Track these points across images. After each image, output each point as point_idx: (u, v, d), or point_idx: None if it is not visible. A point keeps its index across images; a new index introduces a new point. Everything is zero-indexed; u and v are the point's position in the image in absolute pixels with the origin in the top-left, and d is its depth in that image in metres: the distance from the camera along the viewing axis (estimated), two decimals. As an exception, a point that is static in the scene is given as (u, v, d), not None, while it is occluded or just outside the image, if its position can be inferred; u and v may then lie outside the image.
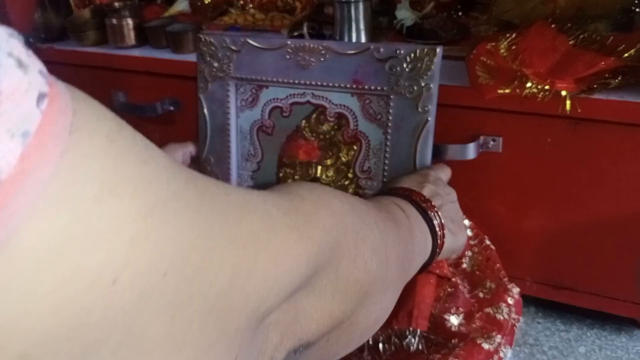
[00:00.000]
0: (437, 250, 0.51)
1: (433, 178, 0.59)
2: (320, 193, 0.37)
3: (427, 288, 0.55)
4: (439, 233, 0.51)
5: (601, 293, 0.77)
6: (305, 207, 0.33)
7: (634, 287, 0.74)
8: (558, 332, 0.82)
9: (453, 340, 0.63)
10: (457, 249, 0.57)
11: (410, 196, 0.52)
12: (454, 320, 0.62)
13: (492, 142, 0.71)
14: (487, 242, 0.69)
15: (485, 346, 0.61)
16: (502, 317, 0.62)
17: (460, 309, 0.63)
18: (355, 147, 0.71)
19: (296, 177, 0.75)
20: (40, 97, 0.18)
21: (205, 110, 0.77)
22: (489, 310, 0.63)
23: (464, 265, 0.69)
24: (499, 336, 0.61)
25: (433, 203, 0.53)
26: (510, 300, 0.65)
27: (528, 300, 0.86)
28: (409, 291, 0.53)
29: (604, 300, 0.77)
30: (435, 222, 0.51)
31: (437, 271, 0.56)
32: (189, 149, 0.76)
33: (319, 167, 0.74)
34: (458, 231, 0.56)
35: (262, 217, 0.28)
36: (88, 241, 0.18)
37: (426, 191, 0.55)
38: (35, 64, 0.18)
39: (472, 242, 0.69)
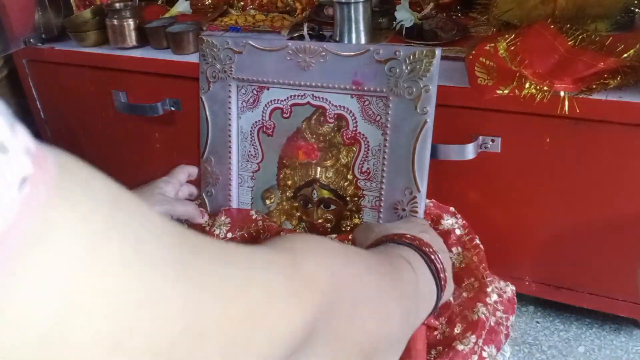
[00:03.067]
0: (441, 296, 0.52)
1: (430, 228, 0.61)
2: (323, 250, 0.36)
3: (421, 342, 0.55)
4: (443, 284, 0.52)
5: (601, 293, 0.77)
6: (307, 267, 0.33)
7: (634, 287, 0.74)
8: (557, 331, 0.82)
9: (432, 352, 0.63)
10: (449, 296, 0.59)
11: (419, 246, 0.52)
12: (439, 329, 0.63)
13: (491, 142, 0.71)
14: (478, 241, 0.69)
15: (460, 347, 0.61)
16: (477, 317, 0.63)
17: (444, 317, 0.63)
18: (354, 149, 0.71)
19: (296, 178, 0.76)
20: (23, 181, 0.17)
21: (207, 111, 0.77)
22: (466, 312, 0.64)
23: (452, 260, 0.69)
24: (473, 336, 0.61)
25: (438, 253, 0.53)
26: (489, 300, 0.65)
27: (527, 300, 0.86)
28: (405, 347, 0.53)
29: (603, 300, 0.77)
30: (441, 272, 0.52)
31: (426, 322, 0.57)
32: (194, 170, 0.80)
33: (319, 168, 0.74)
34: (450, 279, 0.59)
35: (263, 288, 0.28)
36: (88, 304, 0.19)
37: (428, 239, 0.55)
38: (20, 143, 0.17)
39: (464, 239, 0.69)
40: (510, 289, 0.69)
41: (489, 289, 0.66)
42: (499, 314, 0.65)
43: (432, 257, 0.51)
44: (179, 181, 0.75)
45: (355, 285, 0.37)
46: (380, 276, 0.42)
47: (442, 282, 0.51)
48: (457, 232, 0.69)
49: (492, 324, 0.64)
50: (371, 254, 0.48)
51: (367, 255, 0.45)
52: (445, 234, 0.69)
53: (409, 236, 0.54)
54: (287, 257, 0.32)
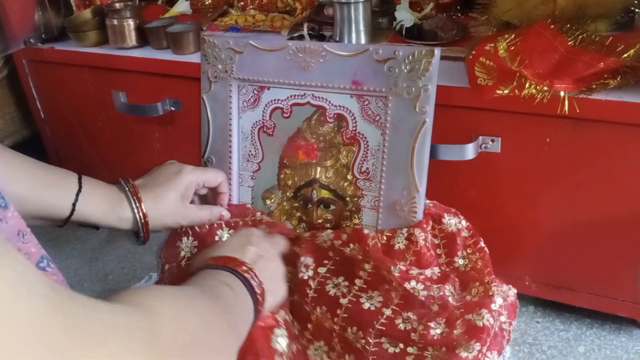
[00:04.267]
0: (259, 310, 0.55)
1: (256, 238, 0.62)
2: (176, 310, 0.40)
3: (259, 342, 0.57)
4: (260, 299, 0.55)
5: (600, 293, 0.77)
6: (165, 334, 0.36)
7: (634, 287, 0.74)
8: (557, 331, 0.82)
9: (429, 349, 0.63)
10: (275, 304, 0.61)
11: (235, 268, 0.55)
12: (436, 329, 0.63)
13: (491, 143, 0.71)
14: (482, 244, 0.69)
15: (464, 354, 0.61)
16: (482, 323, 0.62)
17: (442, 317, 0.63)
18: (354, 149, 0.71)
19: (296, 178, 0.76)
20: None
21: (208, 111, 0.77)
22: (469, 317, 0.63)
23: (457, 265, 0.69)
24: (477, 344, 0.61)
25: (254, 270, 0.56)
26: (494, 306, 0.64)
27: (527, 300, 0.86)
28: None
29: (603, 300, 0.77)
30: (257, 289, 0.55)
31: (262, 323, 0.58)
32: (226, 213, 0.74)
33: (319, 168, 0.74)
34: (276, 288, 0.60)
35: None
36: None
37: (248, 256, 0.58)
38: None
39: (469, 242, 0.69)
40: (512, 293, 0.69)
41: (494, 294, 0.66)
42: (502, 318, 0.65)
43: (246, 275, 0.55)
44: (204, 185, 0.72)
45: (206, 338, 0.42)
46: (219, 317, 0.47)
47: (259, 297, 0.55)
48: (463, 234, 0.69)
49: (497, 329, 0.63)
50: (196, 286, 0.51)
51: (204, 296, 0.48)
52: (451, 237, 0.69)
53: (227, 257, 0.57)
54: (144, 319, 0.35)
